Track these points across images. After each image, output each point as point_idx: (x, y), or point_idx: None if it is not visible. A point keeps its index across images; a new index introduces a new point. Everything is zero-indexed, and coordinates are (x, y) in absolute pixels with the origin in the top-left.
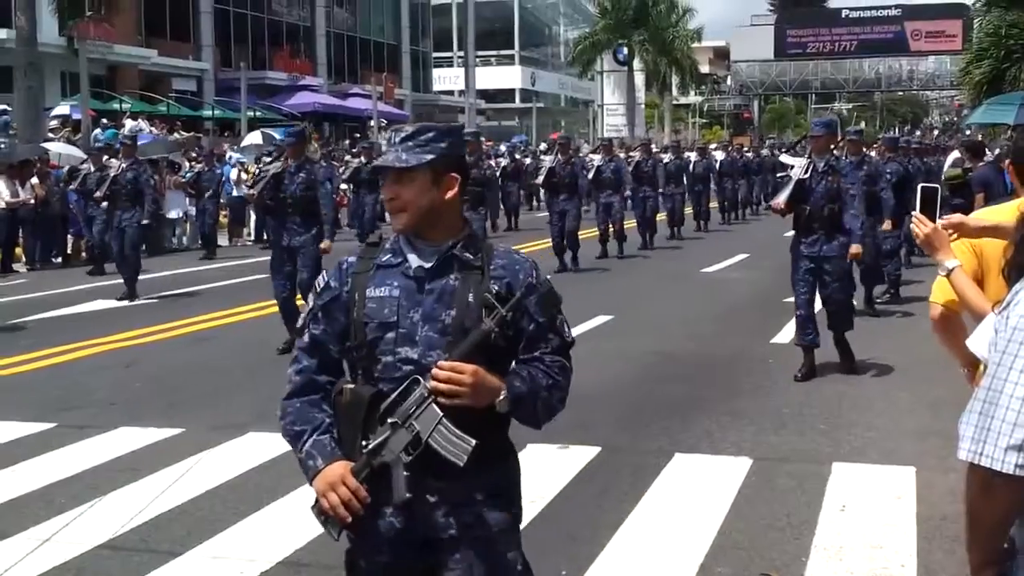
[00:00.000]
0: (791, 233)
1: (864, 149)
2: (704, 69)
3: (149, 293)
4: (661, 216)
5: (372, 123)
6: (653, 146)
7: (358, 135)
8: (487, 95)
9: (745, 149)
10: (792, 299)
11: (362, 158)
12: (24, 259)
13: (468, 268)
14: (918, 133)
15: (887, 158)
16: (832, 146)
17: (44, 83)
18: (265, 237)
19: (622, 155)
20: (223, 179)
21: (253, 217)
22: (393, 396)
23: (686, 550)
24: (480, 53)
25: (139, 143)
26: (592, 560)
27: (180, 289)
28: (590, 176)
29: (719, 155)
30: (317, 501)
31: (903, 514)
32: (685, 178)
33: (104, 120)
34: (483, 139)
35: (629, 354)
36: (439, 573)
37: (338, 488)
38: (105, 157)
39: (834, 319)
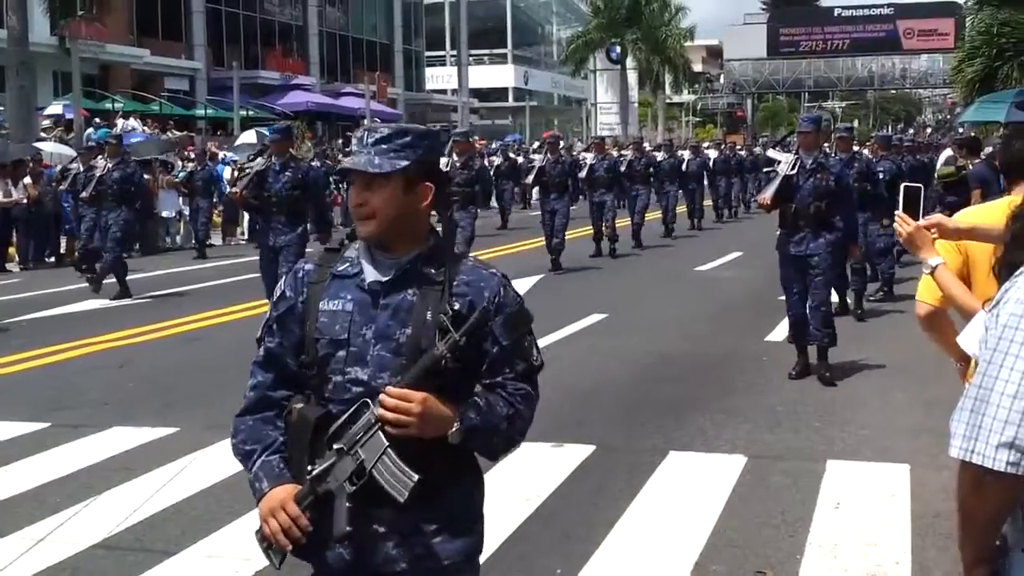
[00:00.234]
0: None
1: (854, 146)
2: (697, 68)
3: (142, 292)
4: (655, 214)
5: (365, 122)
6: (646, 144)
7: (349, 134)
8: (480, 94)
9: (738, 147)
10: (785, 297)
11: None
12: (17, 259)
13: (428, 283)
14: (911, 131)
15: (880, 156)
16: (822, 143)
17: (36, 82)
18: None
19: (614, 153)
20: (217, 178)
21: (247, 216)
22: (342, 420)
23: (681, 548)
24: (473, 52)
25: (132, 142)
26: (587, 558)
27: (173, 288)
28: (583, 175)
29: (712, 153)
30: (261, 526)
31: (897, 512)
32: (679, 176)
33: (97, 119)
34: (476, 138)
35: (623, 352)
36: None
37: (278, 514)
38: (99, 157)
39: (814, 321)
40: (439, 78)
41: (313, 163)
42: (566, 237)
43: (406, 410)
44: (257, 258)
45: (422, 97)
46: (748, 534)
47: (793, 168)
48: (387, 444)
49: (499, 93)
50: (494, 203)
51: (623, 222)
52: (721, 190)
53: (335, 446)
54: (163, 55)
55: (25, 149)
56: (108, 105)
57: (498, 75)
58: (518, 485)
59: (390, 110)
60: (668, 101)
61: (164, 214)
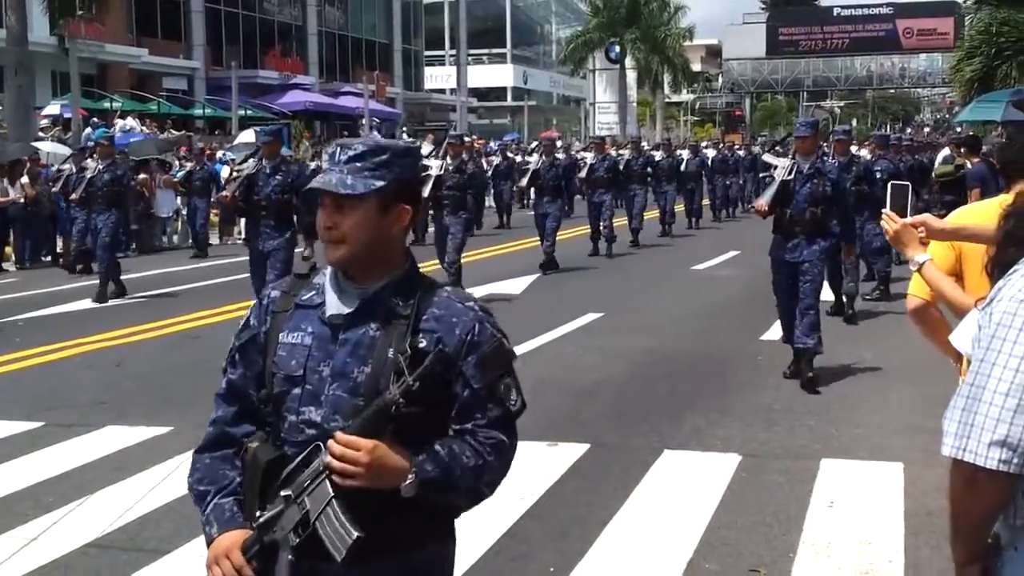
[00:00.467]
0: None
1: (853, 148)
2: (696, 67)
3: (138, 292)
4: (652, 213)
5: (364, 121)
6: (644, 144)
7: (347, 133)
8: (479, 93)
9: (737, 147)
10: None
11: None
12: (14, 258)
13: (394, 316)
14: (909, 130)
15: (878, 155)
16: (820, 145)
17: (34, 82)
18: None
19: (613, 153)
20: (216, 178)
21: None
22: (294, 464)
23: (674, 546)
24: (472, 51)
25: (131, 142)
26: (581, 556)
27: (170, 288)
28: (583, 174)
29: (711, 153)
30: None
31: (891, 510)
32: (677, 176)
33: (95, 119)
34: (474, 138)
35: (619, 351)
36: None
37: (222, 562)
38: (90, 158)
39: (801, 324)
40: (438, 77)
41: (311, 163)
42: (557, 239)
43: (353, 459)
44: None
45: (421, 97)
46: (742, 532)
47: (790, 173)
48: (331, 495)
49: (498, 92)
50: (491, 203)
51: (620, 221)
52: (719, 190)
53: (282, 493)
54: (162, 55)
55: (23, 148)
56: (106, 105)
57: (497, 74)
58: (512, 484)
59: (389, 109)
60: (667, 100)
61: (162, 214)
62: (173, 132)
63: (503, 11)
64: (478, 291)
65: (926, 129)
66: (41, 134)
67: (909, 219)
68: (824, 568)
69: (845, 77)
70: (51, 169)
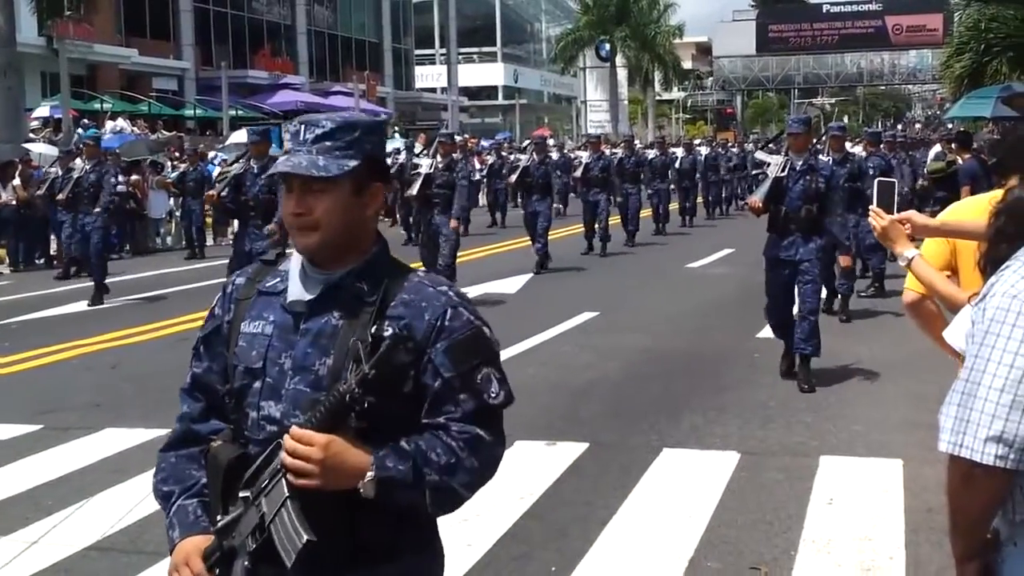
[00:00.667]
0: None
1: (848, 145)
2: (687, 65)
3: (133, 293)
4: (646, 212)
5: None
6: (637, 142)
7: None
8: (470, 92)
9: (730, 144)
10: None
11: None
12: (7, 260)
13: (359, 303)
14: (900, 127)
15: (869, 152)
16: (812, 143)
17: (24, 83)
18: None
19: (607, 151)
20: (209, 178)
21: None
22: (257, 463)
23: (675, 545)
24: (462, 50)
25: (123, 143)
26: (581, 556)
27: (164, 289)
28: (578, 173)
29: (703, 151)
30: None
31: (890, 507)
32: (670, 174)
33: (85, 120)
34: (466, 136)
35: (615, 350)
36: None
37: (181, 570)
38: (77, 159)
39: (800, 330)
40: (429, 76)
41: None
42: (549, 239)
43: (306, 455)
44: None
45: (412, 96)
46: (742, 530)
47: (783, 170)
48: (287, 495)
49: (489, 91)
50: (483, 201)
51: (614, 220)
52: (712, 187)
53: (241, 495)
54: (151, 55)
55: (14, 150)
56: (96, 105)
57: (488, 73)
58: (512, 483)
59: (380, 109)
60: (658, 98)
61: (154, 215)
62: (164, 133)
63: (493, 9)
64: (472, 291)
65: (917, 125)
66: (32, 135)
67: (896, 215)
68: (825, 565)
69: (835, 74)
70: (41, 171)
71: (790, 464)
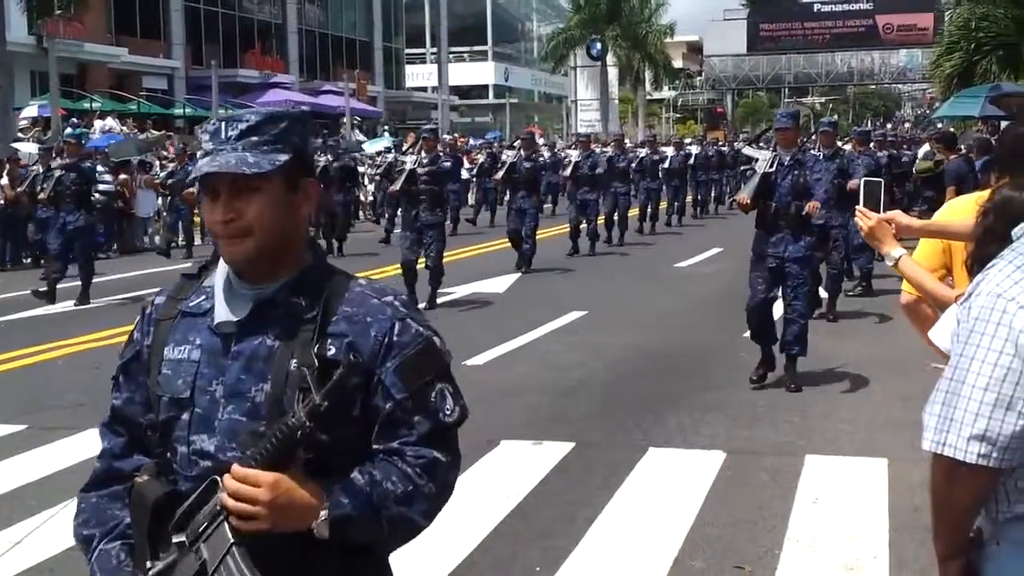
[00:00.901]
0: None
1: (838, 142)
2: (677, 64)
3: (120, 293)
4: (633, 211)
5: (345, 120)
6: (627, 141)
7: (327, 132)
8: (460, 91)
9: (720, 143)
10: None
11: (328, 155)
12: None
13: (296, 320)
14: (889, 126)
15: (859, 151)
16: (801, 139)
17: (13, 82)
18: None
19: (597, 150)
20: None
21: None
22: (188, 503)
23: (660, 544)
24: (453, 49)
25: (112, 143)
26: (567, 555)
27: (151, 289)
28: (567, 172)
29: (694, 149)
30: None
31: (875, 506)
32: (660, 173)
33: (74, 119)
34: (457, 136)
35: (602, 349)
36: None
37: None
38: (62, 156)
39: (789, 332)
40: (419, 76)
41: None
42: (538, 238)
43: (251, 497)
44: None
45: (402, 95)
46: (727, 529)
47: (771, 166)
48: (231, 541)
49: (479, 90)
50: (472, 200)
51: (601, 220)
52: (702, 186)
53: (175, 539)
54: (141, 54)
55: (2, 150)
56: (86, 105)
57: (478, 72)
58: (497, 483)
59: (370, 108)
60: (648, 97)
61: (142, 214)
62: (153, 132)
63: (484, 8)
64: (461, 290)
65: (907, 125)
66: (21, 135)
67: (883, 215)
68: (809, 564)
69: (826, 73)
70: (26, 169)
71: (776, 463)
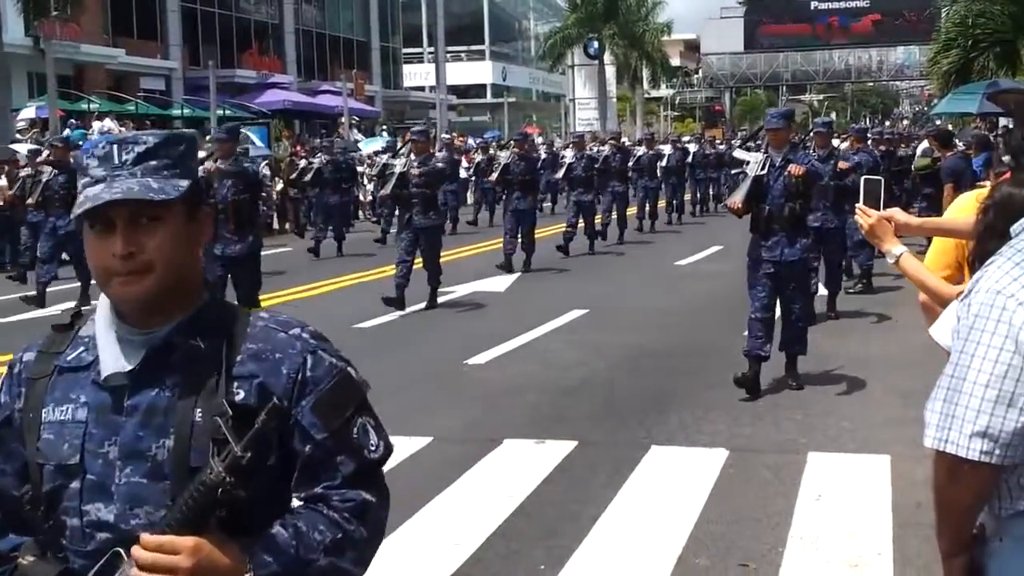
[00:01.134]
0: None
1: (833, 141)
2: (675, 62)
3: None
4: (631, 209)
5: (343, 120)
6: (625, 139)
7: (326, 132)
8: (458, 90)
9: (718, 142)
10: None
11: (323, 156)
12: None
13: (196, 365)
14: (887, 123)
15: (856, 149)
16: (800, 137)
17: (10, 84)
18: None
19: (594, 149)
20: None
21: None
22: None
23: (664, 542)
24: (450, 48)
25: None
26: (571, 554)
27: None
28: (560, 174)
29: (692, 147)
30: None
31: (878, 502)
32: (658, 171)
33: (72, 120)
34: (454, 135)
35: (604, 348)
36: None
37: None
38: (49, 160)
39: (789, 333)
40: (417, 75)
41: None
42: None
43: (169, 566)
44: None
45: (400, 95)
46: (731, 527)
47: (763, 168)
48: None
49: (477, 90)
50: (471, 200)
51: (597, 218)
52: (701, 184)
53: None
54: (138, 55)
55: (0, 151)
56: (84, 106)
57: (476, 71)
58: (501, 482)
59: (368, 108)
60: (646, 96)
61: None
62: None
63: (481, 7)
64: (460, 290)
65: (905, 122)
66: (19, 136)
67: (882, 212)
68: (813, 561)
69: (824, 70)
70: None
71: (779, 461)
